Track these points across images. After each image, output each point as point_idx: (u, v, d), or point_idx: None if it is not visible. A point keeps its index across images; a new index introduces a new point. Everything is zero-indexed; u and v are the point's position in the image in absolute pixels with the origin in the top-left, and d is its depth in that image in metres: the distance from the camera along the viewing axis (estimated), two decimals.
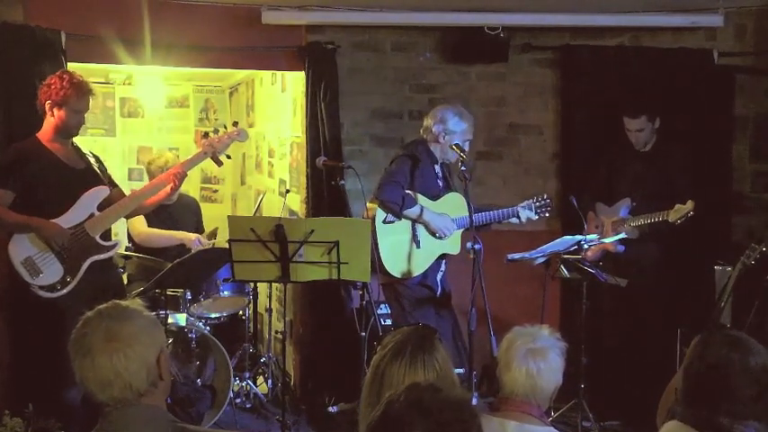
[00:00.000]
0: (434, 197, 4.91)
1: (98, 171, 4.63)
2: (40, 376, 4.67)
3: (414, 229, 4.84)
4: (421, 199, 4.84)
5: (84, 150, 4.68)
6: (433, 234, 4.87)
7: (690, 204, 4.99)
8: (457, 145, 4.81)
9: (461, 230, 4.95)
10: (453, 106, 5.04)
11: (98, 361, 2.07)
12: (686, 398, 2.51)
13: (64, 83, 4.41)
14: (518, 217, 5.05)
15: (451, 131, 4.87)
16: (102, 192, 4.56)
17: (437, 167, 4.97)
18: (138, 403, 2.10)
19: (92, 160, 4.65)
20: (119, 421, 2.10)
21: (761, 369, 2.43)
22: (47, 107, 4.45)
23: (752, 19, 5.80)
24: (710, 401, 2.43)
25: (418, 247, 4.84)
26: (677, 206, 5.04)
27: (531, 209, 5.08)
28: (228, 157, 4.86)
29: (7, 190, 4.38)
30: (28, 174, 4.40)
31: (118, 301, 2.22)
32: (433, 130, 4.89)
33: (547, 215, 5.19)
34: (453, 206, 4.94)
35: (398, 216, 4.77)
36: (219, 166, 5.05)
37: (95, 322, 2.12)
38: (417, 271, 4.84)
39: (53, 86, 4.41)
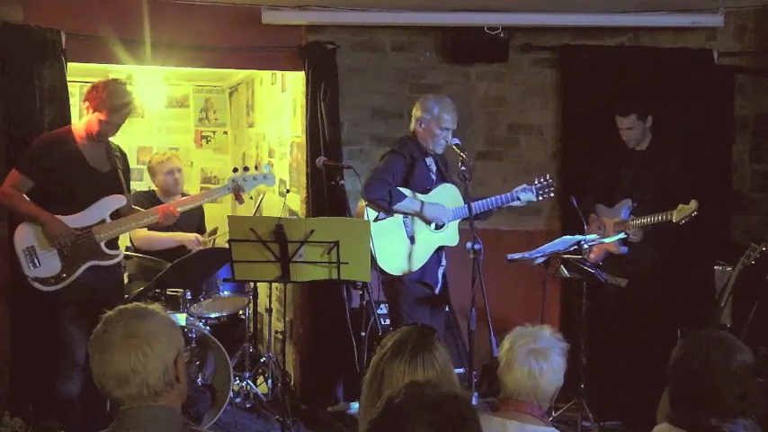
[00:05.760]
0: (426, 191, 4.90)
1: (121, 176, 4.66)
2: (38, 373, 4.69)
3: (406, 225, 4.83)
4: (415, 194, 4.83)
5: (114, 149, 4.70)
6: (429, 224, 4.84)
7: (693, 204, 4.99)
8: (457, 145, 4.80)
9: (458, 221, 4.94)
10: (437, 96, 5.03)
11: (117, 357, 2.08)
12: (673, 400, 2.51)
13: (105, 92, 4.44)
14: (518, 199, 5.02)
15: (436, 118, 4.83)
16: (119, 200, 4.61)
17: (428, 160, 4.95)
18: (154, 403, 2.11)
19: (118, 161, 4.68)
20: (134, 420, 2.10)
21: (743, 367, 2.44)
22: (86, 107, 4.50)
23: (752, 19, 5.79)
24: (697, 403, 2.44)
25: (413, 242, 4.83)
26: (680, 206, 5.03)
27: (532, 191, 5.04)
28: (251, 197, 4.86)
29: (27, 177, 4.46)
30: (48, 163, 4.46)
31: (139, 303, 2.26)
32: (422, 119, 4.88)
33: (550, 196, 5.13)
34: (447, 197, 4.92)
35: (388, 212, 4.75)
36: (240, 204, 5.06)
37: (116, 320, 2.14)
38: (415, 267, 4.82)
39: (97, 91, 4.46)
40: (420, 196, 4.86)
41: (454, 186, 4.97)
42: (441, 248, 4.95)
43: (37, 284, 4.44)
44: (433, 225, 4.87)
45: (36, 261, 4.43)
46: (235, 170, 4.78)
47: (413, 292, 4.86)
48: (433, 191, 4.92)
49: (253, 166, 4.81)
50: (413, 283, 4.86)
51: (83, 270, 4.46)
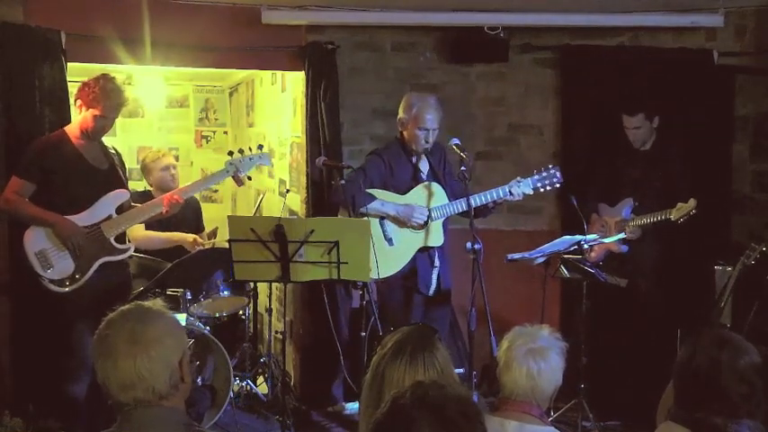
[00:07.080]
0: (406, 191, 4.84)
1: (120, 172, 4.70)
2: (42, 374, 4.69)
3: (382, 227, 4.78)
4: (388, 195, 4.78)
5: (109, 147, 4.74)
6: (405, 225, 4.78)
7: (692, 202, 4.99)
8: (457, 145, 4.78)
9: (441, 221, 4.86)
10: (419, 94, 4.99)
11: (121, 363, 2.06)
12: (679, 399, 2.51)
13: (97, 87, 4.47)
14: (511, 194, 4.82)
15: (413, 118, 4.79)
16: (123, 195, 4.65)
17: (419, 161, 4.90)
18: (158, 404, 2.10)
19: (115, 159, 4.71)
20: (139, 421, 2.09)
21: (750, 368, 2.44)
22: (78, 106, 4.53)
23: (752, 19, 5.78)
24: (703, 402, 2.44)
25: (391, 244, 4.78)
26: (679, 204, 5.04)
27: (528, 184, 4.85)
28: (249, 178, 4.87)
29: (29, 181, 4.47)
30: (48, 166, 4.47)
31: (141, 303, 2.21)
32: (401, 119, 4.86)
33: (554, 186, 4.93)
34: (427, 197, 4.85)
35: (355, 215, 4.59)
36: (240, 186, 5.07)
37: (119, 323, 2.11)
38: (393, 270, 4.75)
39: (88, 87, 4.49)
40: (394, 197, 4.81)
41: (437, 184, 4.89)
42: (430, 249, 4.88)
43: (52, 286, 4.44)
44: (408, 224, 4.80)
45: (49, 264, 4.44)
46: (230, 153, 4.78)
47: (397, 296, 4.81)
48: (411, 191, 4.85)
49: (247, 150, 4.81)
50: (397, 286, 4.79)
51: (95, 268, 4.48)
